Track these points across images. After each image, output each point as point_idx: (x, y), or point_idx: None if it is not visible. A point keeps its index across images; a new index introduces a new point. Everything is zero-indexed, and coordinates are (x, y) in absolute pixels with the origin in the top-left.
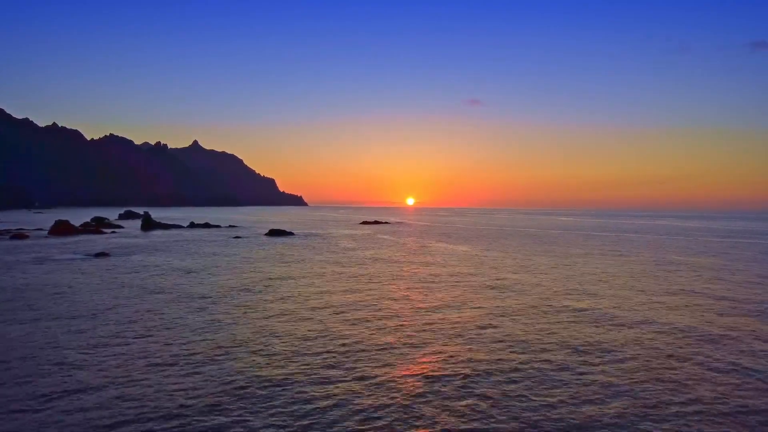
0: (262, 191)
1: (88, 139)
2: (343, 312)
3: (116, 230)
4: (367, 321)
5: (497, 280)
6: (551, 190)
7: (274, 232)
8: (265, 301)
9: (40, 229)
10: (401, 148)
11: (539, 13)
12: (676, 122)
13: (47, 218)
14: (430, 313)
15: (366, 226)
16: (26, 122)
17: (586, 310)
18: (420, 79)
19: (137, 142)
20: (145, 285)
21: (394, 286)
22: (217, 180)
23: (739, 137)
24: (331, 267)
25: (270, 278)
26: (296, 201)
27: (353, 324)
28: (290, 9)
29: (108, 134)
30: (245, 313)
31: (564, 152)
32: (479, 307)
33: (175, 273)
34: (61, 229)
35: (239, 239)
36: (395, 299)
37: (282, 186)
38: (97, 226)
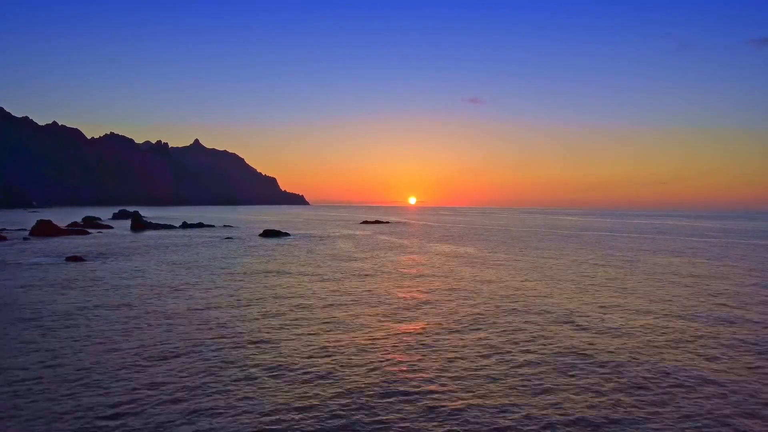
0: (264, 190)
1: (89, 138)
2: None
3: (103, 231)
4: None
5: (499, 296)
6: (552, 190)
7: (269, 233)
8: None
9: (23, 230)
10: (403, 147)
11: (538, 10)
12: (678, 122)
13: (41, 218)
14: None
15: (366, 226)
16: (26, 121)
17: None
18: (421, 78)
19: (138, 140)
20: (97, 299)
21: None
22: (218, 179)
23: (743, 137)
24: (307, 278)
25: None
26: (298, 200)
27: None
28: (291, 9)
29: (108, 133)
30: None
31: (565, 151)
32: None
33: (136, 287)
34: (43, 229)
35: (230, 240)
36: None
37: (284, 185)
38: (84, 226)
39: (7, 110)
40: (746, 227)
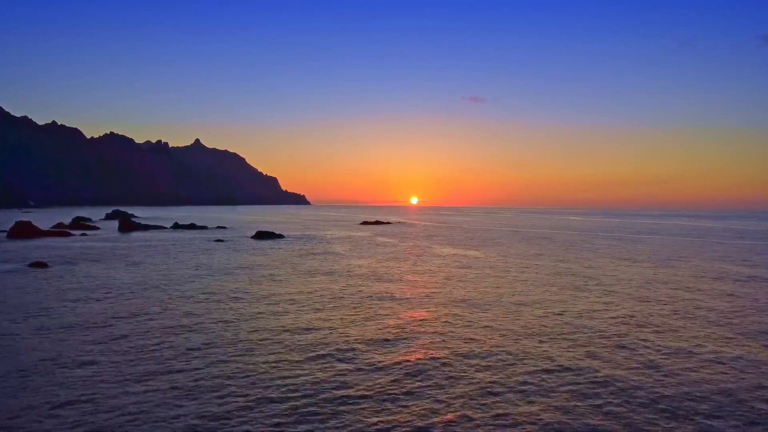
0: (265, 190)
1: (88, 137)
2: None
3: (88, 232)
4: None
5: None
6: (552, 190)
7: (262, 235)
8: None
9: (3, 231)
10: (404, 147)
11: (538, 10)
12: (678, 122)
13: (33, 218)
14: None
15: (365, 227)
16: (25, 120)
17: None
18: (421, 77)
19: (138, 140)
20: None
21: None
22: (219, 179)
23: (744, 137)
24: (268, 306)
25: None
26: (299, 200)
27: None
28: (291, 9)
29: (108, 132)
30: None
31: (565, 151)
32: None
33: (91, 302)
34: (21, 231)
35: (219, 243)
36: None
37: (285, 185)
38: (69, 227)
39: (7, 110)
40: (747, 227)
